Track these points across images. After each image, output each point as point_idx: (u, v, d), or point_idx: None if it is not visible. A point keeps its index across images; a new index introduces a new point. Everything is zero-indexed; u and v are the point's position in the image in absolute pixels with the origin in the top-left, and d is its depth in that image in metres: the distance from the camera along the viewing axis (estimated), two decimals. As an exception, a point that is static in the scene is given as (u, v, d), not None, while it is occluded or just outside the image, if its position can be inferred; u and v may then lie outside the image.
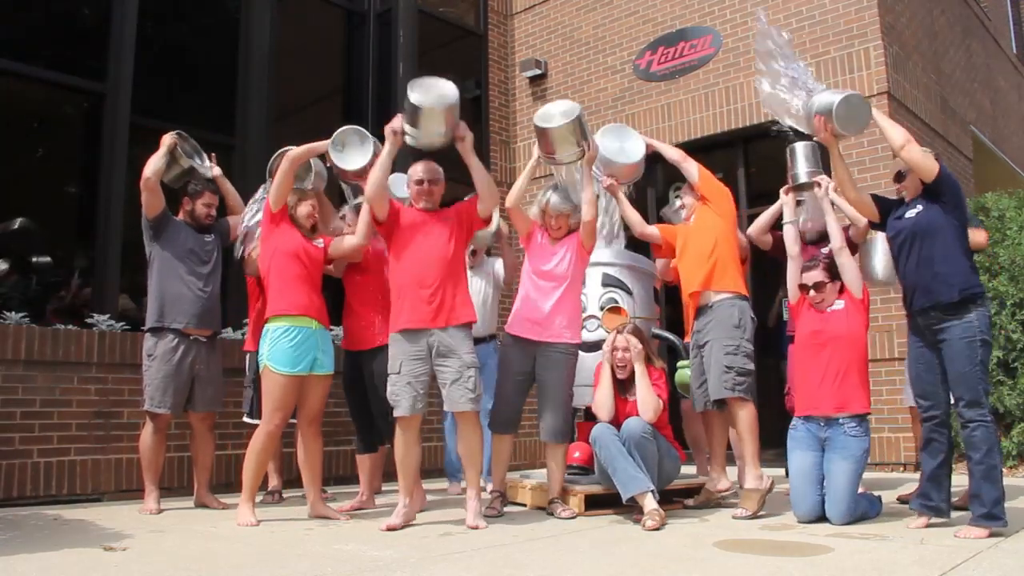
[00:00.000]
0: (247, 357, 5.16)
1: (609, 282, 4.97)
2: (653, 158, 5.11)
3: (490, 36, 9.10)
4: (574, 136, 4.48)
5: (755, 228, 4.99)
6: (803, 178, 4.45)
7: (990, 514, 3.44)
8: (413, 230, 4.12)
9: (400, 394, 3.98)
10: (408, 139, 4.15)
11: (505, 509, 4.44)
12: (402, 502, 3.98)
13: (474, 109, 8.93)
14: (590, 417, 4.76)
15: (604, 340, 4.51)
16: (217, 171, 5.01)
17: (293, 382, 4.13)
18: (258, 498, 4.36)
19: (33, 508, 4.62)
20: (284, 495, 5.19)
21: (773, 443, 5.20)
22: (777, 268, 4.90)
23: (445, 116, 4.10)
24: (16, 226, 5.54)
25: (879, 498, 4.19)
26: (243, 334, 5.41)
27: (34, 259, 5.66)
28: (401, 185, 4.74)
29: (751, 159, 7.78)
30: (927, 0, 8.33)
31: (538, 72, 8.94)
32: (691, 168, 4.71)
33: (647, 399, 4.19)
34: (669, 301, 6.91)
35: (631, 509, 4.07)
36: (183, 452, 5.20)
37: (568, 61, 8.86)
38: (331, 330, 4.42)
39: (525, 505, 4.69)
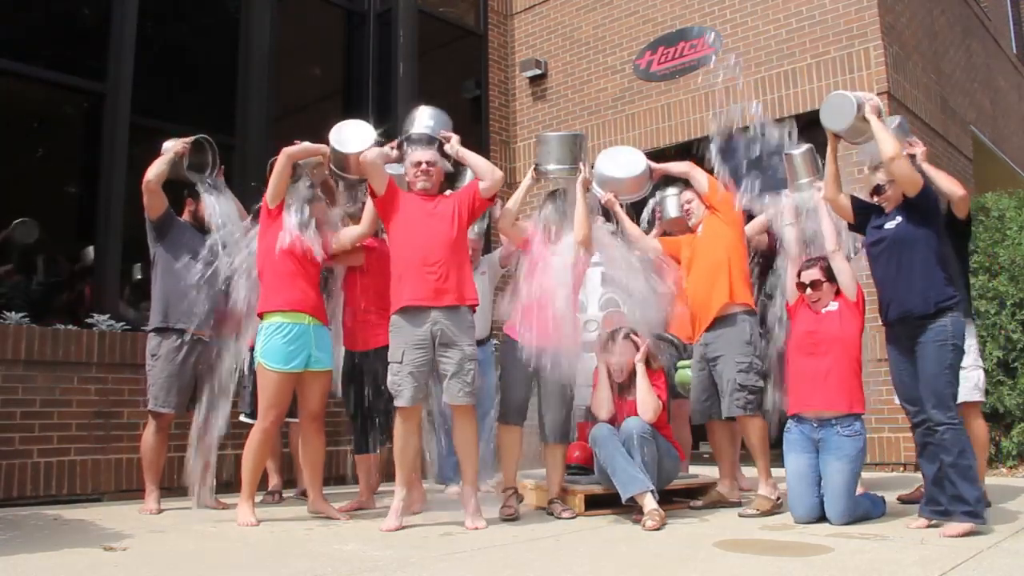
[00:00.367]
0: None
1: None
2: (667, 180, 5.09)
3: (490, 36, 9.10)
4: (572, 151, 4.50)
5: (752, 228, 4.99)
6: (801, 178, 4.47)
7: (970, 512, 3.49)
8: (414, 212, 4.11)
9: (402, 384, 3.95)
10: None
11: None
12: (399, 494, 3.97)
13: (474, 109, 8.93)
14: (591, 417, 4.76)
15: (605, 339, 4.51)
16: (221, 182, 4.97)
17: (287, 379, 4.12)
18: (258, 498, 4.36)
19: (33, 508, 4.62)
20: (284, 495, 5.19)
21: (772, 443, 5.20)
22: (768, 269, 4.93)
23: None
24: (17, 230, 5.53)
25: (882, 499, 4.19)
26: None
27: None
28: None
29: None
30: (927, 0, 8.33)
31: (538, 72, 8.94)
32: (700, 178, 4.68)
33: (647, 399, 4.20)
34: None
35: (631, 509, 4.07)
36: (183, 452, 5.19)
37: (568, 61, 8.86)
38: (329, 327, 4.40)
39: (530, 505, 4.69)
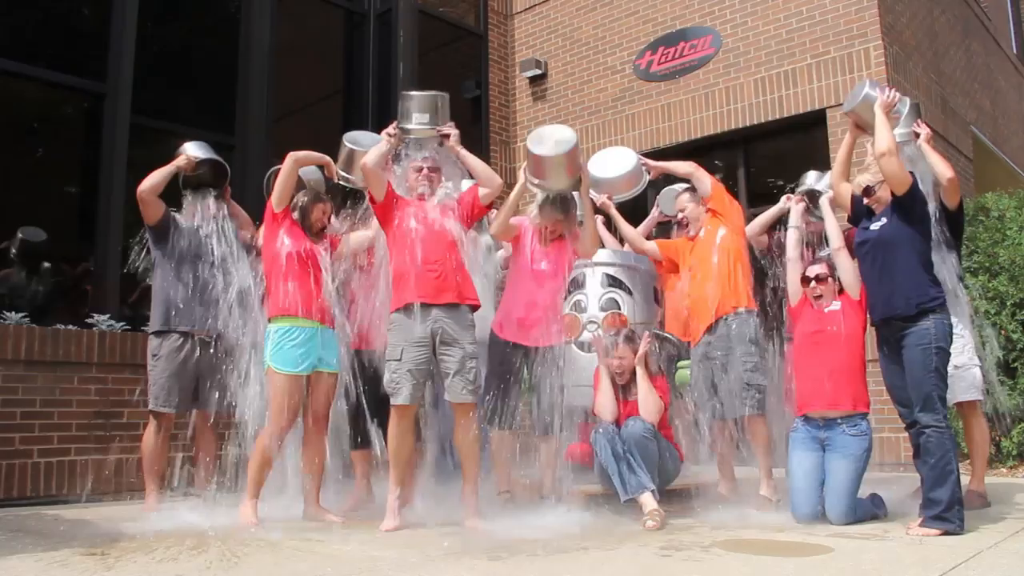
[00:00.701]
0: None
1: (609, 282, 4.97)
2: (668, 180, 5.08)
3: (490, 36, 9.10)
4: (565, 167, 4.25)
5: (753, 228, 4.99)
6: (811, 182, 4.47)
7: (941, 516, 3.50)
8: (414, 216, 4.11)
9: (401, 381, 3.95)
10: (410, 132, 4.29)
11: (502, 509, 4.42)
12: (394, 493, 3.97)
13: (474, 109, 8.93)
14: (591, 417, 4.76)
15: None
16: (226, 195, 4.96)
17: (298, 382, 4.13)
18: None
19: (33, 508, 4.62)
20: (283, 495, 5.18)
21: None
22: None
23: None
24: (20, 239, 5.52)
25: (883, 499, 4.19)
26: (243, 334, 5.38)
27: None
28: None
29: (751, 159, 7.78)
30: (927, 0, 8.33)
31: (538, 72, 8.94)
32: (704, 180, 4.64)
33: (648, 400, 4.20)
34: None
35: (632, 509, 4.07)
36: (183, 452, 5.19)
37: (568, 61, 8.86)
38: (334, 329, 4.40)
39: (528, 505, 4.68)
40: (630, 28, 8.42)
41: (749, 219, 5.15)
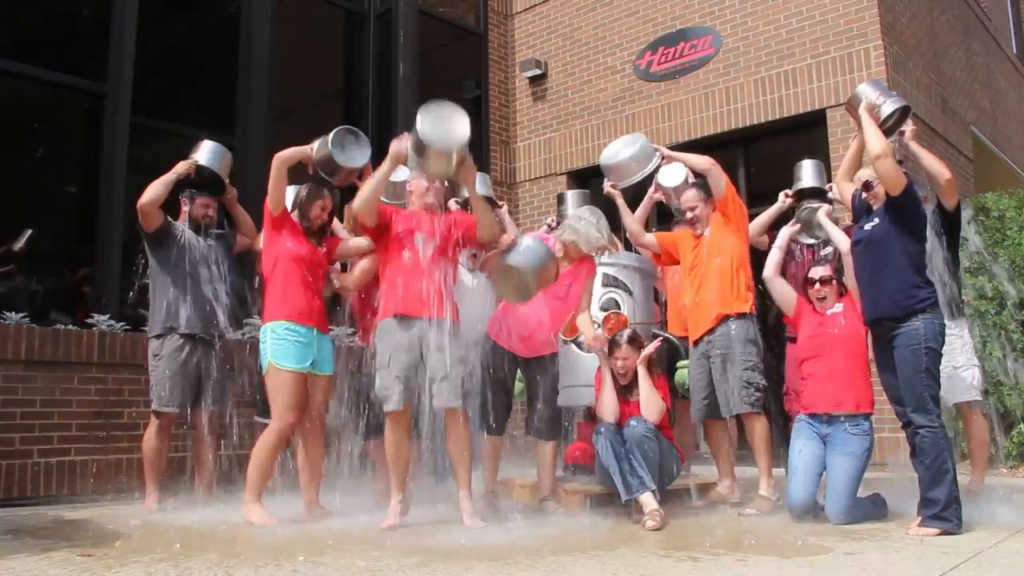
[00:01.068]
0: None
1: (609, 282, 4.97)
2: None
3: (490, 36, 9.10)
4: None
5: (753, 228, 4.97)
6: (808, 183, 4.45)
7: (939, 515, 3.51)
8: (410, 225, 4.09)
9: (390, 388, 3.95)
10: (410, 164, 4.06)
11: (501, 509, 4.43)
12: (396, 498, 3.97)
13: (474, 109, 8.92)
14: (591, 417, 4.76)
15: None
16: (233, 193, 4.97)
17: (301, 378, 4.13)
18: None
19: (33, 508, 4.62)
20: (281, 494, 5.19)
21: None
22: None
23: (453, 155, 3.88)
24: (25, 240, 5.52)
25: (883, 499, 4.19)
26: (243, 334, 5.40)
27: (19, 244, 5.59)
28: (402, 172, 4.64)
29: (751, 159, 7.78)
30: (927, 0, 8.33)
31: (538, 72, 8.94)
32: (720, 180, 4.54)
33: (650, 400, 4.20)
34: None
35: (631, 509, 4.07)
36: (184, 452, 5.20)
37: (568, 61, 8.86)
38: (329, 332, 4.41)
39: (527, 505, 4.68)
40: (630, 28, 8.42)
41: (750, 219, 5.14)
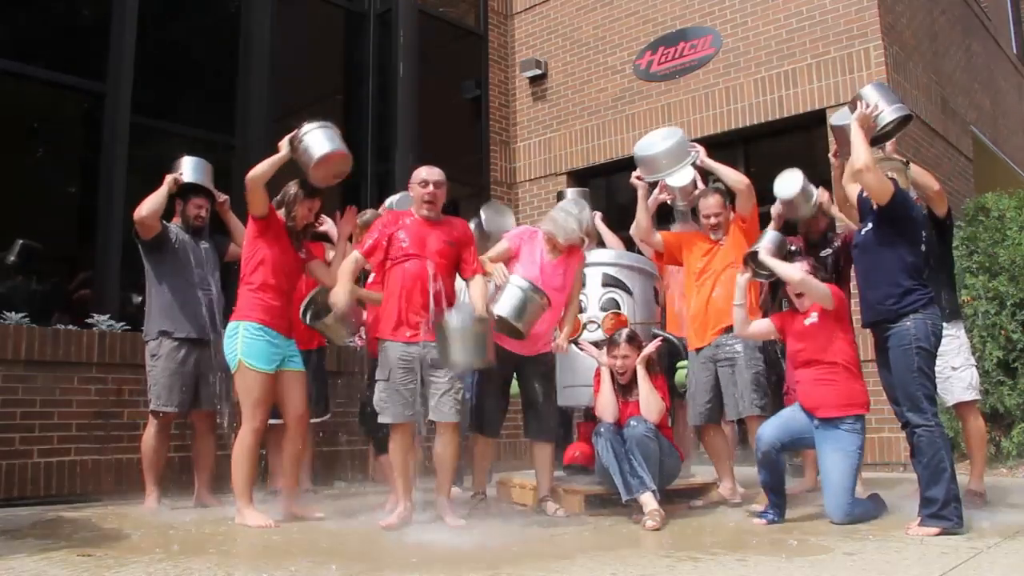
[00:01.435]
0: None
1: (609, 282, 4.97)
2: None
3: (490, 36, 9.10)
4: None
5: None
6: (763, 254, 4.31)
7: (937, 514, 3.52)
8: (415, 238, 4.07)
9: (388, 400, 3.97)
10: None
11: (502, 509, 4.44)
12: (402, 504, 3.99)
13: (474, 109, 8.93)
14: (590, 417, 4.76)
15: (602, 342, 4.51)
16: (226, 200, 4.99)
17: (271, 378, 4.13)
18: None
19: (33, 508, 4.62)
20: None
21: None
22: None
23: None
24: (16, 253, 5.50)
25: (882, 499, 4.19)
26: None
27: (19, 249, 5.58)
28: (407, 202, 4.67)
29: (751, 159, 7.78)
30: (927, 0, 8.33)
31: (538, 72, 8.94)
32: (750, 201, 4.62)
33: (650, 400, 4.20)
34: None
35: (631, 509, 4.07)
36: (183, 452, 5.20)
37: (568, 61, 8.86)
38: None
39: (526, 505, 4.69)
40: (630, 28, 8.42)
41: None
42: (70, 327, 5.12)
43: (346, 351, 5.82)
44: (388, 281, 4.11)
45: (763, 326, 4.30)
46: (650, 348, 4.35)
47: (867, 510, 3.99)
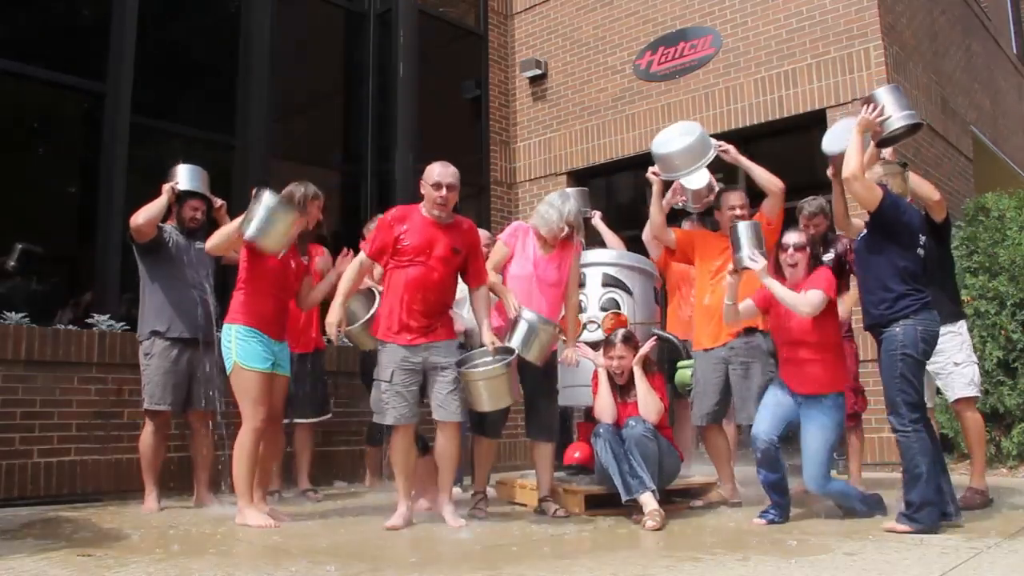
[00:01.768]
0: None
1: (609, 282, 4.97)
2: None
3: (490, 36, 9.10)
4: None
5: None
6: (746, 262, 4.26)
7: (910, 516, 3.62)
8: (422, 240, 4.04)
9: (389, 402, 3.96)
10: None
11: (502, 510, 4.44)
12: (404, 504, 3.98)
13: (474, 109, 8.93)
14: (590, 418, 4.76)
15: (602, 342, 4.50)
16: (223, 206, 5.02)
17: (266, 378, 4.15)
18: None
19: (33, 508, 4.62)
20: (283, 495, 5.19)
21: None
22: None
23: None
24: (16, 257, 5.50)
25: (881, 499, 4.19)
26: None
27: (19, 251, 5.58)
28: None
29: (751, 159, 7.75)
30: (927, 0, 8.33)
31: (538, 72, 8.94)
32: (778, 206, 4.64)
33: (648, 400, 4.20)
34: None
35: (631, 509, 4.07)
36: (183, 452, 5.20)
37: (568, 61, 8.86)
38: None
39: (526, 505, 4.69)
40: (630, 28, 8.42)
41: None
42: (70, 327, 5.12)
43: (346, 351, 5.83)
44: (390, 283, 4.10)
45: (748, 310, 4.28)
46: (645, 348, 4.35)
47: (843, 489, 4.09)
